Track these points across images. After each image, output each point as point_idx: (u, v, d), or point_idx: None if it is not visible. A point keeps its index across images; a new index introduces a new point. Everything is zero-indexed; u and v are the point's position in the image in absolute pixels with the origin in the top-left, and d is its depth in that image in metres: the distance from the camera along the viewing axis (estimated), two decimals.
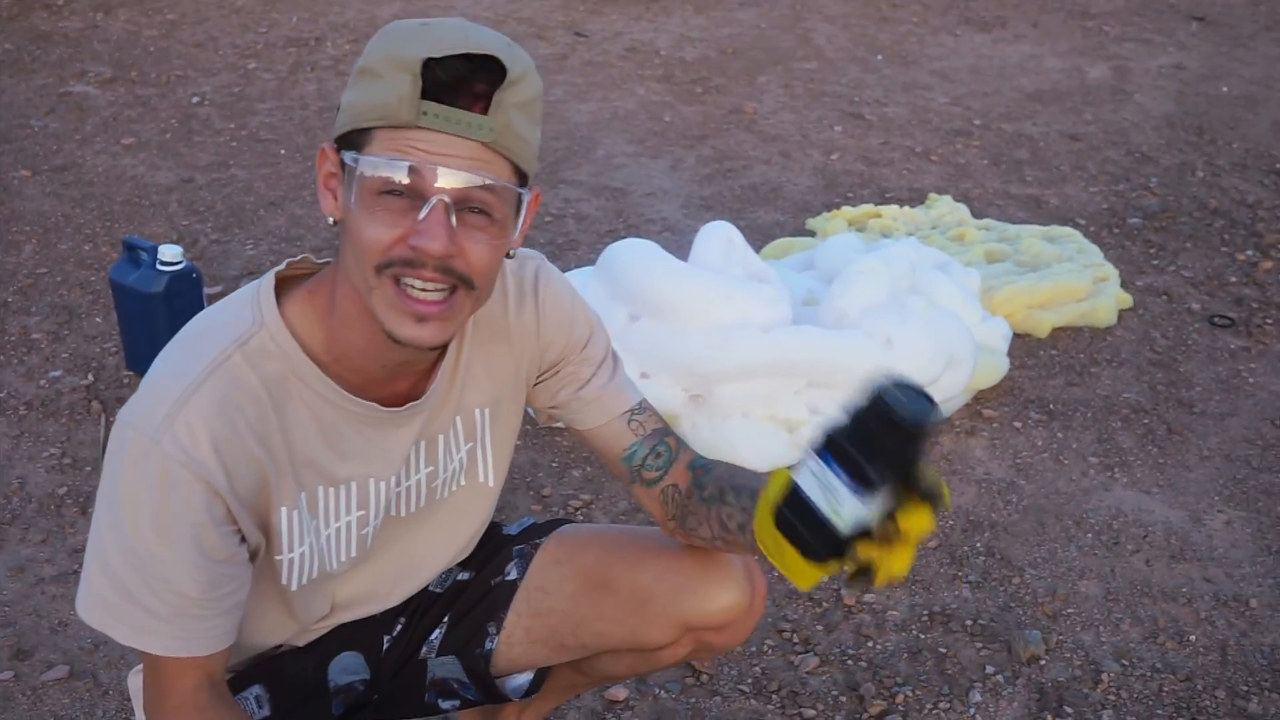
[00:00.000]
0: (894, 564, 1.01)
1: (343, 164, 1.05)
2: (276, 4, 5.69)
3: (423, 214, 1.01)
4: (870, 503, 0.98)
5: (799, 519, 1.03)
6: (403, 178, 1.01)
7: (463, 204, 1.03)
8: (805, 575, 1.08)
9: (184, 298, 2.67)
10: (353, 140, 1.03)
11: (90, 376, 2.78)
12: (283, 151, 4.13)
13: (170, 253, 2.66)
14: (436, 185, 1.01)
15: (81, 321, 3.01)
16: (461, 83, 1.00)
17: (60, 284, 3.18)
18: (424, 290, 1.04)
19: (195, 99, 4.53)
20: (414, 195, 1.02)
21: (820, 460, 1.00)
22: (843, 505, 0.99)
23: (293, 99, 4.59)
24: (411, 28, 1.02)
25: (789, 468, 1.07)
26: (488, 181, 1.02)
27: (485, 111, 1.01)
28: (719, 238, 2.82)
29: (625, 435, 1.34)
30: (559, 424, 1.39)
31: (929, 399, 0.96)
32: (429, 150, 1.00)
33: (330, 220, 1.08)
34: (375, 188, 1.02)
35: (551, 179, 3.95)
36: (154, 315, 2.65)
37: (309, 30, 5.35)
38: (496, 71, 1.00)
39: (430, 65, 0.98)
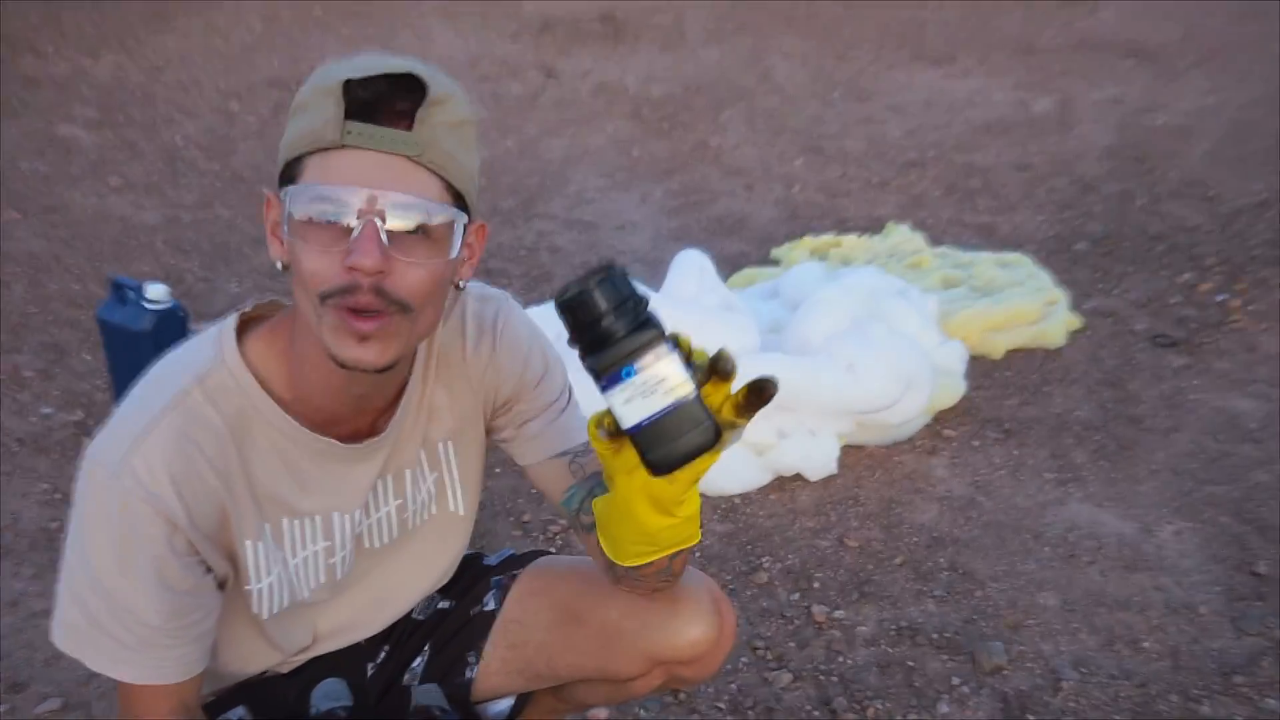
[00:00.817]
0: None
1: (282, 204, 1.02)
2: (258, 47, 5.67)
3: (354, 234, 0.98)
4: (670, 349, 0.94)
5: (668, 438, 0.96)
6: (330, 204, 0.98)
7: (397, 226, 0.99)
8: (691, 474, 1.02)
9: (171, 334, 2.64)
10: (289, 175, 1.01)
11: (80, 413, 2.74)
12: (265, 190, 4.10)
13: (157, 291, 2.63)
14: (361, 205, 0.98)
15: (71, 359, 2.97)
16: (383, 100, 0.98)
17: (50, 323, 3.14)
18: (362, 313, 1.01)
19: (180, 140, 4.51)
20: (344, 218, 0.98)
21: (611, 388, 0.95)
22: (668, 376, 0.94)
23: (274, 139, 4.56)
24: (336, 63, 1.01)
25: (604, 419, 1.01)
26: (412, 199, 0.99)
27: (409, 128, 0.99)
28: (693, 265, 2.83)
29: (564, 477, 1.30)
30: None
31: (590, 275, 0.95)
32: (355, 170, 0.98)
33: (279, 265, 1.05)
34: (307, 219, 0.99)
35: (525, 213, 3.95)
36: (141, 352, 2.62)
37: (290, 72, 5.34)
38: (418, 90, 0.99)
39: (351, 86, 0.97)
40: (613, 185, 4.26)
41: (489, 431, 1.34)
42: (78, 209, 3.88)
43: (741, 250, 3.76)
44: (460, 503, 1.34)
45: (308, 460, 1.16)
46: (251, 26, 5.96)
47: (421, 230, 1.00)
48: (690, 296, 2.78)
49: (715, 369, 0.97)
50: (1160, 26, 6.71)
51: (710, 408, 0.97)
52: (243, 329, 1.14)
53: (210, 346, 1.12)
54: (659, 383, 0.94)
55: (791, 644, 2.09)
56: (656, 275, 3.33)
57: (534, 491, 2.49)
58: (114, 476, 1.05)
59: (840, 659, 2.05)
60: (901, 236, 3.72)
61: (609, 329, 0.94)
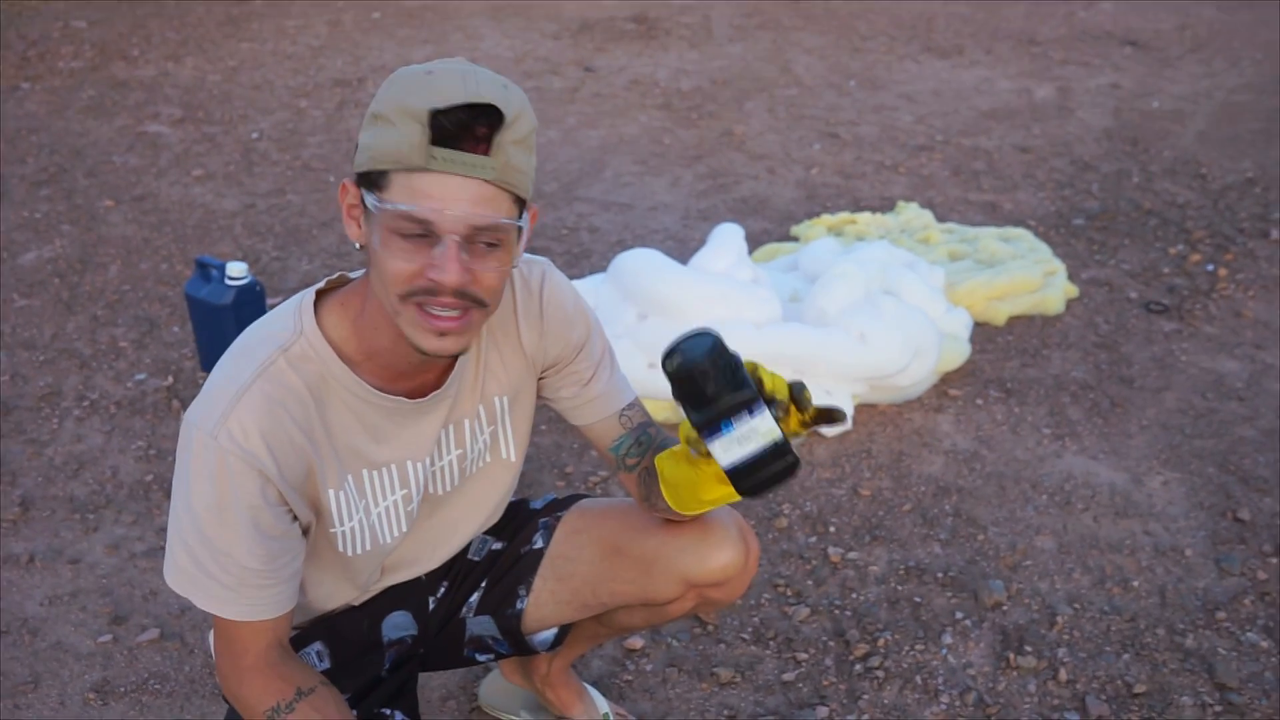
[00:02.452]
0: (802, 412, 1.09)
1: (363, 200, 1.05)
2: (323, 50, 5.70)
3: (437, 252, 1.03)
4: (761, 406, 1.04)
5: (758, 472, 1.05)
6: (418, 222, 1.02)
7: (472, 238, 1.04)
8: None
9: (249, 308, 2.68)
10: (371, 179, 1.04)
11: (170, 378, 2.79)
12: (332, 179, 4.14)
13: (237, 269, 2.67)
14: (448, 227, 1.02)
15: (161, 331, 3.02)
16: (464, 129, 1.00)
17: (142, 299, 3.20)
18: (443, 311, 1.06)
19: (255, 135, 4.55)
20: (429, 233, 1.03)
21: (713, 438, 1.05)
22: (758, 427, 1.03)
23: (339, 133, 4.60)
24: (418, 77, 1.02)
25: (698, 443, 1.11)
26: (491, 221, 1.03)
27: (487, 152, 1.02)
28: (731, 239, 2.85)
29: (616, 429, 1.36)
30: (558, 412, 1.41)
31: (695, 336, 1.05)
32: (440, 194, 1.01)
33: (356, 245, 1.10)
34: (394, 229, 1.03)
35: (566, 197, 3.96)
36: (224, 324, 2.67)
37: (352, 72, 5.36)
38: (495, 115, 1.01)
39: (436, 115, 0.99)
40: (646, 170, 4.25)
41: (540, 391, 1.36)
42: (164, 197, 3.94)
43: (764, 228, 3.75)
44: (512, 451, 1.37)
45: (380, 417, 1.19)
46: (317, 31, 5.99)
47: (494, 242, 1.06)
48: (721, 270, 2.78)
49: (794, 402, 1.08)
50: (1156, 17, 6.56)
51: (786, 428, 1.08)
52: (318, 302, 1.17)
53: (290, 319, 1.15)
54: (752, 432, 1.03)
55: (809, 582, 2.10)
56: (686, 253, 3.33)
57: (576, 446, 2.51)
58: (212, 437, 1.08)
59: (853, 595, 2.07)
60: (912, 214, 3.69)
61: (712, 395, 1.03)
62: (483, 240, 1.05)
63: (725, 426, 1.03)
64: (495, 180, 1.02)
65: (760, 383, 1.06)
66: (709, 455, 1.09)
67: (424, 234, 1.03)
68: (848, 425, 1.08)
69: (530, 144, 1.06)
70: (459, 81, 1.01)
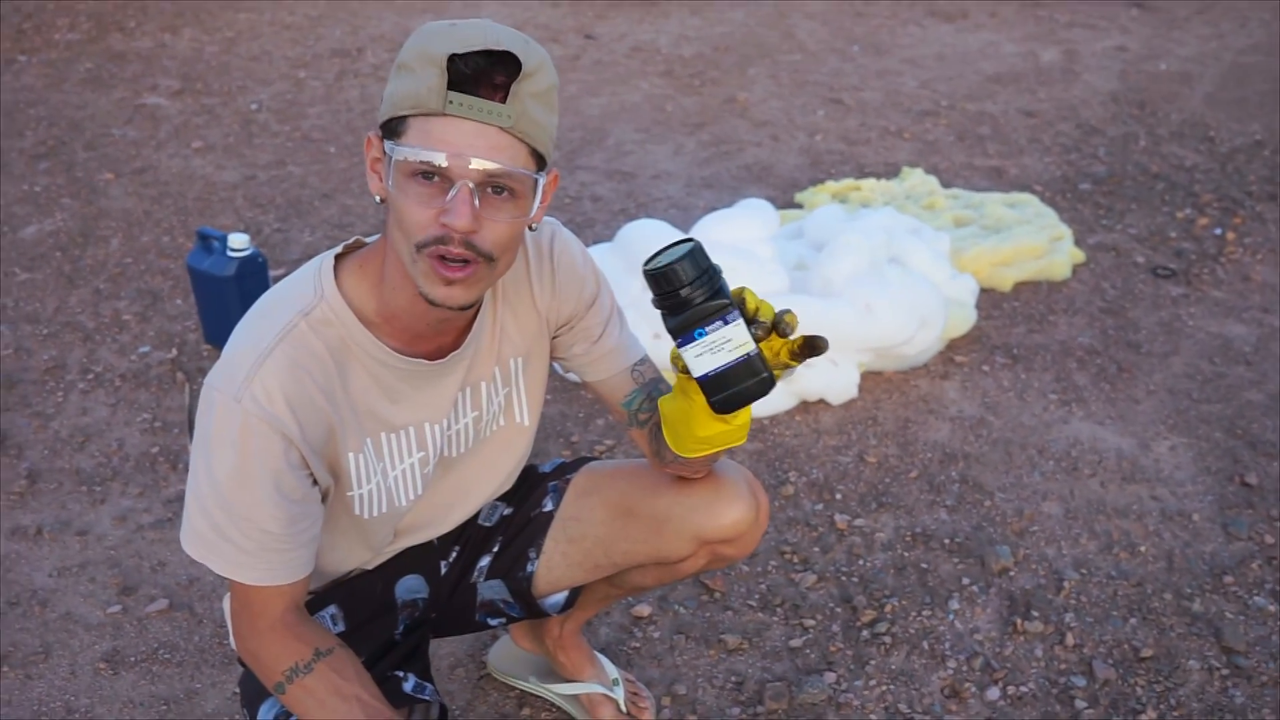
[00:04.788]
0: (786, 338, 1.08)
1: (384, 149, 1.06)
2: (322, 20, 5.64)
3: (450, 196, 1.03)
4: (738, 316, 1.03)
5: (729, 385, 1.04)
6: (432, 165, 1.02)
7: (486, 185, 1.04)
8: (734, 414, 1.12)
9: (252, 279, 2.68)
10: (392, 128, 1.04)
11: (174, 351, 2.79)
12: (332, 149, 4.11)
13: (239, 240, 2.67)
14: (460, 171, 1.02)
15: (164, 303, 3.01)
16: (482, 75, 1.01)
17: (145, 271, 3.19)
18: (453, 261, 1.07)
19: (254, 106, 4.51)
20: (443, 178, 1.03)
21: (685, 344, 1.04)
22: (732, 337, 1.03)
23: (339, 103, 4.56)
24: (442, 28, 1.03)
25: (679, 361, 1.09)
26: (505, 167, 1.03)
27: (504, 100, 1.02)
28: (761, 217, 2.86)
29: (627, 384, 1.36)
30: (570, 373, 1.41)
31: (679, 244, 1.05)
32: (454, 138, 1.01)
33: (377, 199, 1.09)
34: (409, 172, 1.03)
35: (569, 165, 3.93)
36: (227, 295, 2.66)
37: (351, 42, 5.31)
38: (513, 65, 1.01)
39: (455, 60, 0.99)
40: (648, 138, 4.22)
41: (553, 351, 1.37)
42: (164, 170, 3.91)
43: (768, 195, 3.71)
44: (525, 415, 1.37)
45: (399, 379, 1.19)
46: (315, 1, 5.92)
47: (508, 192, 1.05)
48: (728, 241, 2.75)
49: (776, 328, 1.06)
50: None
51: (770, 353, 1.07)
52: (336, 266, 1.17)
53: (310, 283, 1.16)
54: (725, 342, 1.03)
55: (816, 549, 2.10)
56: (689, 221, 3.31)
57: (581, 415, 2.51)
58: (235, 400, 1.08)
59: (860, 562, 2.07)
60: (917, 180, 3.66)
61: (687, 298, 1.02)
62: (498, 189, 1.05)
63: (698, 333, 1.03)
64: (511, 129, 1.02)
65: (743, 301, 1.06)
66: (692, 375, 1.08)
67: (439, 179, 1.03)
68: (828, 352, 1.07)
69: (550, 101, 1.06)
70: (480, 31, 1.02)
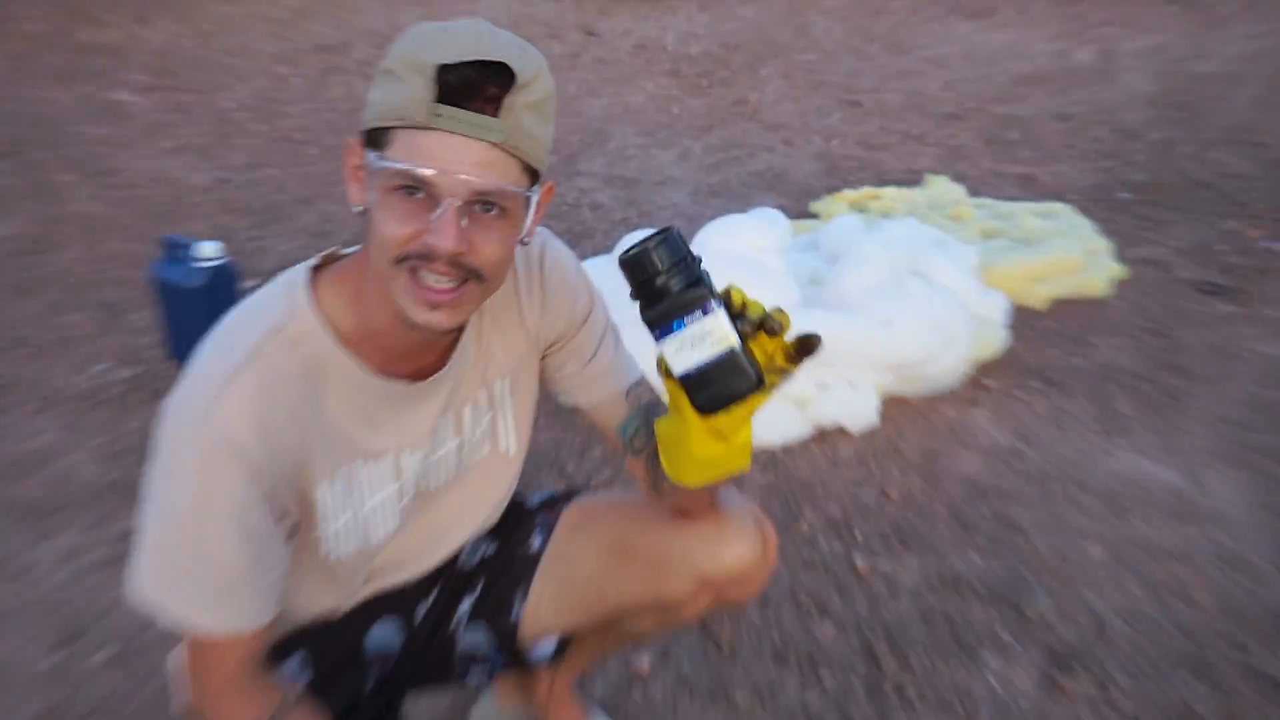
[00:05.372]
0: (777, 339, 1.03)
1: (366, 159, 1.03)
2: (306, 12, 5.61)
3: (434, 215, 1.01)
4: (718, 308, 1.00)
5: (711, 384, 1.02)
6: (415, 181, 1.00)
7: (474, 202, 1.02)
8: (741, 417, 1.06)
9: (222, 291, 2.63)
10: (375, 138, 1.02)
11: (135, 369, 2.73)
12: (313, 151, 4.06)
13: (209, 249, 2.63)
14: (447, 189, 1.00)
15: (125, 317, 2.95)
16: (473, 87, 0.98)
17: (105, 282, 3.13)
18: (436, 280, 1.04)
19: (230, 104, 4.47)
20: (429, 195, 1.01)
21: (663, 339, 1.01)
22: (712, 331, 1.00)
23: (322, 101, 4.52)
24: (431, 32, 1.00)
25: (662, 363, 1.06)
26: (495, 185, 1.01)
27: (496, 114, 0.99)
28: (774, 220, 2.80)
29: (622, 409, 1.33)
30: (561, 396, 1.35)
31: (650, 237, 1.02)
32: (441, 154, 0.99)
33: (357, 208, 1.06)
34: (392, 186, 1.01)
35: (567, 171, 3.87)
36: (194, 308, 2.61)
37: (336, 36, 5.28)
38: (507, 76, 0.99)
39: (444, 70, 0.97)
40: (653, 142, 4.16)
41: (542, 371, 1.34)
42: (132, 171, 3.86)
43: (781, 204, 3.66)
44: (511, 443, 1.34)
45: (377, 402, 1.17)
46: None
47: (498, 209, 1.03)
48: (735, 251, 2.69)
49: (763, 325, 1.02)
50: None
51: (762, 355, 1.02)
52: (311, 280, 1.14)
53: (283, 298, 1.12)
54: (705, 335, 1.00)
55: (834, 595, 2.02)
56: (695, 232, 3.24)
57: (577, 443, 2.43)
58: (197, 426, 1.05)
59: (883, 609, 1.98)
60: (941, 188, 3.60)
61: (663, 286, 1.00)
62: (484, 207, 1.03)
63: (677, 325, 1.00)
64: (503, 144, 1.00)
65: (728, 295, 1.03)
66: (679, 382, 1.05)
67: (424, 196, 1.01)
68: (823, 350, 1.02)
69: (546, 111, 1.04)
70: (472, 38, 0.99)
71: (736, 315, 1.02)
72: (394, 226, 1.01)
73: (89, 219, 3.50)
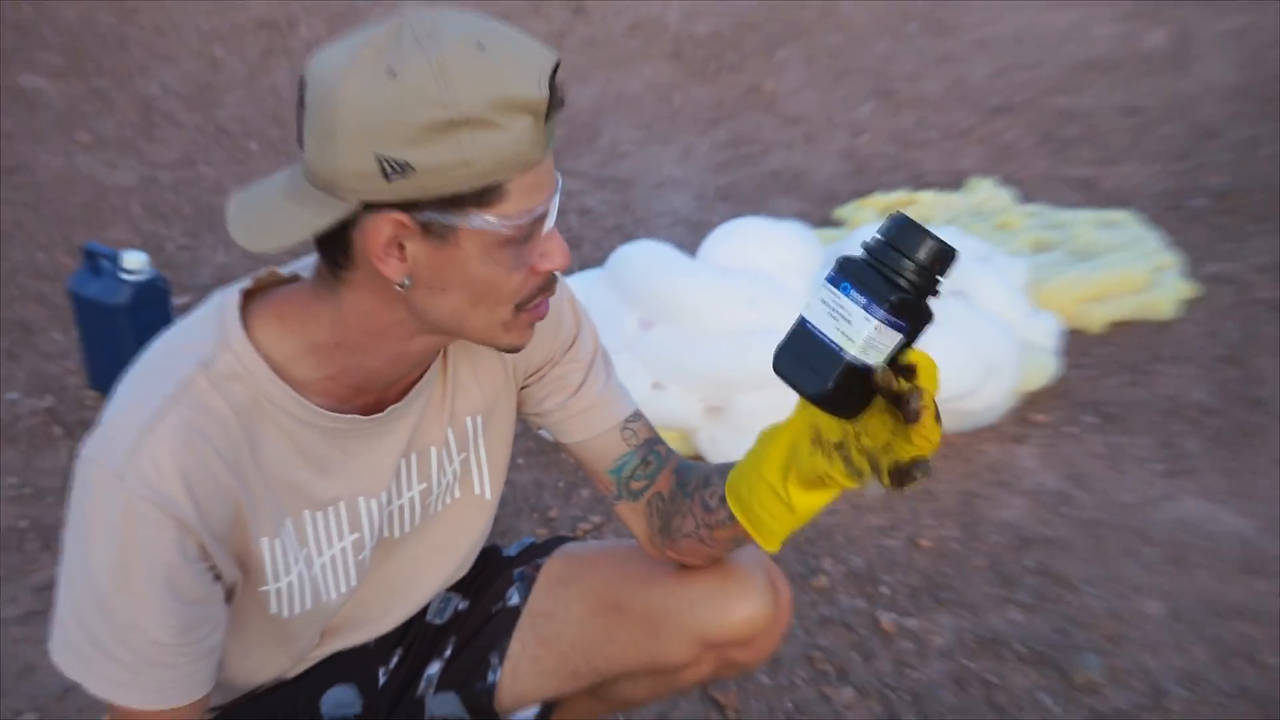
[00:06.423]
0: (921, 429, 1.04)
1: (425, 225, 1.05)
2: None
3: (545, 239, 1.10)
4: (884, 324, 1.02)
5: (800, 350, 1.05)
6: (549, 218, 1.09)
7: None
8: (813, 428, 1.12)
9: (150, 309, 2.70)
10: (470, 198, 1.04)
11: (50, 398, 2.82)
12: (254, 146, 4.18)
13: (134, 260, 2.68)
14: (552, 208, 1.09)
15: (38, 338, 3.05)
16: (554, 99, 1.06)
17: (14, 298, 3.23)
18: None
19: (157, 90, 4.59)
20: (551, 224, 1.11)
21: (829, 285, 1.04)
22: (855, 325, 1.02)
23: (264, 88, 4.64)
24: (481, 60, 1.02)
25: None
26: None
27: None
28: (806, 234, 2.89)
29: (616, 447, 1.37)
30: (544, 431, 1.42)
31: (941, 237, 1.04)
32: (549, 178, 1.08)
33: (405, 284, 1.08)
34: (507, 240, 1.07)
35: None
36: (119, 329, 2.68)
37: (280, 11, 5.40)
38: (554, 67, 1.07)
39: (541, 99, 1.03)
40: (651, 137, 4.29)
41: (520, 405, 1.39)
42: (42, 169, 3.97)
43: (800, 210, 3.78)
44: (486, 486, 1.38)
45: (326, 443, 1.20)
46: None
47: None
48: (746, 267, 2.78)
49: (903, 402, 1.04)
50: None
51: (871, 437, 1.08)
52: (244, 306, 1.17)
53: (211, 327, 1.15)
54: (846, 320, 1.03)
55: (855, 656, 2.12)
56: (699, 243, 3.36)
57: (561, 485, 2.54)
58: (118, 478, 1.07)
59: (911, 673, 2.09)
60: (986, 193, 3.73)
61: (893, 264, 1.03)
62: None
63: (847, 289, 1.03)
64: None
65: (913, 335, 1.05)
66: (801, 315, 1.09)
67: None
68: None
69: None
70: (519, 46, 1.05)
71: (894, 358, 1.04)
72: (513, 277, 1.09)
73: None
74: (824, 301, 1.04)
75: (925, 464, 1.07)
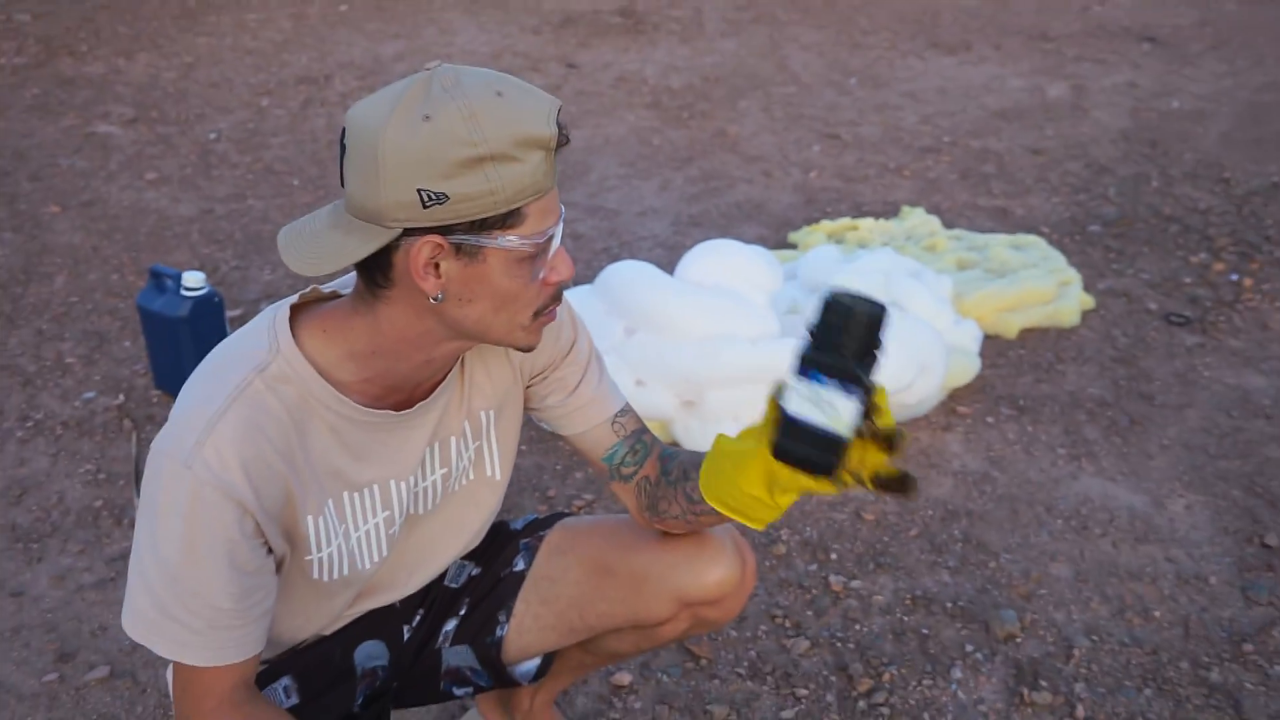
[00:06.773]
0: (883, 459, 1.07)
1: (458, 246, 1.06)
2: (287, 45, 5.72)
3: (554, 256, 1.12)
4: (859, 399, 1.03)
5: (802, 441, 1.06)
6: (558, 239, 1.12)
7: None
8: (808, 486, 1.11)
9: (207, 321, 2.69)
10: (493, 221, 1.06)
11: (121, 397, 2.79)
12: (295, 182, 4.16)
13: (193, 279, 2.68)
14: (559, 228, 1.12)
15: (112, 346, 3.03)
16: (562, 134, 1.09)
17: (91, 311, 3.20)
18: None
19: (213, 135, 4.56)
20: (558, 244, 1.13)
21: (802, 378, 1.05)
22: (840, 409, 1.04)
23: (304, 133, 4.62)
24: (500, 105, 1.04)
25: (775, 395, 1.10)
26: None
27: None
28: (771, 260, 2.88)
29: (608, 438, 1.38)
30: (545, 424, 1.42)
31: (879, 305, 1.05)
32: (556, 203, 1.11)
33: (439, 296, 1.09)
34: (527, 256, 1.09)
35: None
36: (180, 338, 2.67)
37: (318, 69, 5.38)
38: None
39: (555, 136, 1.07)
40: (633, 173, 4.28)
41: (526, 401, 1.39)
42: (115, 203, 3.94)
43: (760, 234, 3.78)
44: (497, 469, 1.39)
45: (364, 434, 1.21)
46: (280, 24, 6.01)
47: None
48: (716, 283, 2.78)
49: (887, 439, 1.07)
50: (1175, 12, 6.66)
51: (859, 460, 1.08)
52: (292, 318, 1.18)
53: (265, 337, 1.16)
54: (832, 408, 1.04)
55: (809, 612, 2.11)
56: (676, 261, 3.35)
57: (559, 468, 2.53)
58: (185, 466, 1.08)
59: (856, 627, 2.08)
60: (917, 220, 3.73)
61: (841, 344, 1.04)
62: None
63: (818, 378, 1.04)
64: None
65: (873, 390, 1.06)
66: (775, 423, 1.09)
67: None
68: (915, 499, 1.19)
69: None
70: (529, 95, 1.07)
71: (867, 412, 1.06)
72: (531, 287, 1.11)
73: (74, 250, 3.58)
74: (802, 395, 1.05)
75: (913, 480, 1.09)
